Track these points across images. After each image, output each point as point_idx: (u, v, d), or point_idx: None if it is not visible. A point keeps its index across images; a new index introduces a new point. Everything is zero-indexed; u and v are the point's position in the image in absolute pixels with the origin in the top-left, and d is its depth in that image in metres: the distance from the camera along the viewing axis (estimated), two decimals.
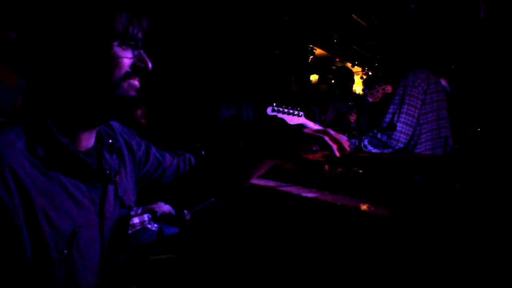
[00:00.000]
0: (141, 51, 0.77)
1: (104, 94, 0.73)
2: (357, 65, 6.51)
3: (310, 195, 0.84)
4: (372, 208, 0.57)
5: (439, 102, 2.00)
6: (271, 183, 1.01)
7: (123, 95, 0.74)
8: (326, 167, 1.04)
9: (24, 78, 0.76)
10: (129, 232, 2.42)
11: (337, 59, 6.23)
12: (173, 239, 0.94)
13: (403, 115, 1.92)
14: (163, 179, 1.03)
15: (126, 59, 0.74)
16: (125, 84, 0.74)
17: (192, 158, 1.08)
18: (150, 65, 0.78)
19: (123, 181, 0.88)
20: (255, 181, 1.04)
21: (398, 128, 1.91)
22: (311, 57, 5.88)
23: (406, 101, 1.93)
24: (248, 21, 4.19)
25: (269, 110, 2.26)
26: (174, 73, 3.74)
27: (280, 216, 0.84)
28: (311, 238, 0.72)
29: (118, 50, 0.72)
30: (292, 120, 2.21)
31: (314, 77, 6.33)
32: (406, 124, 1.92)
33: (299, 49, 5.30)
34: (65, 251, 0.69)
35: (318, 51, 5.89)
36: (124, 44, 0.73)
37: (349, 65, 5.95)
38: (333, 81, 4.42)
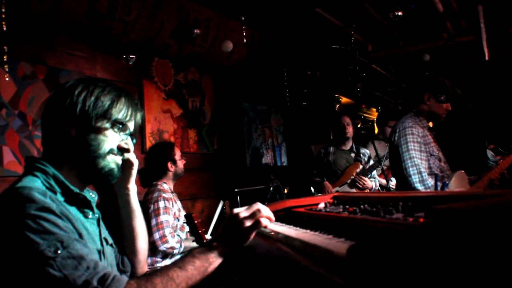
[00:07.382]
0: (129, 137, 1.03)
1: (92, 161, 0.95)
2: (381, 110, 6.56)
3: (303, 235, 0.94)
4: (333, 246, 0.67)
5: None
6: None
7: (105, 165, 0.97)
8: (328, 207, 1.14)
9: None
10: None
11: (364, 106, 6.36)
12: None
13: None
14: None
15: (115, 139, 0.99)
16: (109, 157, 0.97)
17: None
18: (132, 148, 1.03)
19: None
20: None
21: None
22: (338, 105, 6.07)
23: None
24: (278, 74, 4.52)
25: None
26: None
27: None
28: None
29: (110, 132, 0.97)
30: None
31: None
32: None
33: (326, 99, 5.54)
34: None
35: (343, 99, 6.08)
36: (116, 128, 0.99)
37: (373, 110, 6.04)
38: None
